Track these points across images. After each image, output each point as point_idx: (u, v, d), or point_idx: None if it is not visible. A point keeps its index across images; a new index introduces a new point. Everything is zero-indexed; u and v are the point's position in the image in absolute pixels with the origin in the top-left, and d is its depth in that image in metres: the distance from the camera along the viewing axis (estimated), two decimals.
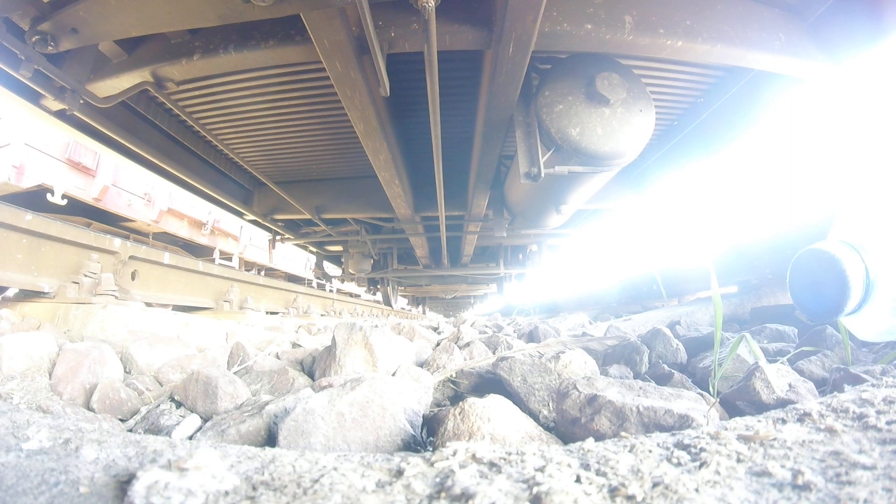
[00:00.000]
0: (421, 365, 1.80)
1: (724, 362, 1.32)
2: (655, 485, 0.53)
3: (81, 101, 2.65)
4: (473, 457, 0.62)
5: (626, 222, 6.13)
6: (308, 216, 5.18)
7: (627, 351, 1.79)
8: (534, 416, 1.21)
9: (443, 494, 0.52)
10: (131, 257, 3.17)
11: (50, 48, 2.15)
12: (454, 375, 1.61)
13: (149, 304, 3.01)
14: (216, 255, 9.45)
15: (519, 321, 4.34)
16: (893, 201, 1.34)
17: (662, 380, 1.45)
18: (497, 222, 4.75)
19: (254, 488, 0.56)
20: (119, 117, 3.25)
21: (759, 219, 3.73)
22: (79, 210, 6.59)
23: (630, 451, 0.65)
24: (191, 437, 1.12)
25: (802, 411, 0.77)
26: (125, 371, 1.64)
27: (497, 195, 4.49)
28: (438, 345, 2.23)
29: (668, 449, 0.65)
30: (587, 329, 2.99)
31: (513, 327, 3.56)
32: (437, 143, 3.00)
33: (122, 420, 1.28)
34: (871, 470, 0.55)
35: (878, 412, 0.72)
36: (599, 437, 0.83)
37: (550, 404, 1.22)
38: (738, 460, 0.60)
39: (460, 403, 0.95)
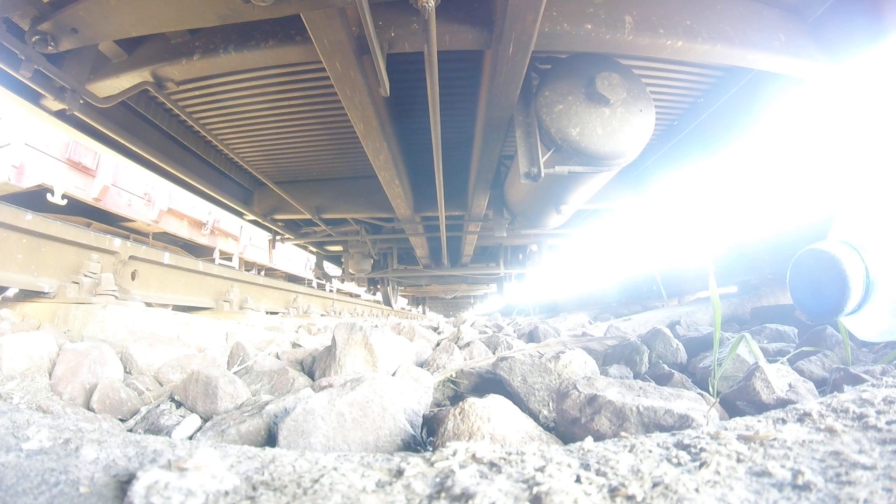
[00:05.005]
0: (421, 365, 1.80)
1: (723, 362, 1.32)
2: (655, 485, 0.53)
3: (81, 101, 2.65)
4: (473, 457, 0.62)
5: (625, 222, 6.13)
6: (308, 216, 5.18)
7: (627, 351, 1.79)
8: (534, 416, 1.21)
9: (443, 494, 0.52)
10: (131, 257, 3.17)
11: (50, 48, 2.15)
12: (454, 375, 1.61)
13: (149, 304, 3.01)
14: (216, 255, 9.44)
15: (519, 321, 4.33)
16: (893, 201, 1.34)
17: (662, 380, 1.45)
18: (497, 222, 4.74)
19: (254, 488, 0.56)
20: (119, 117, 3.25)
21: (759, 219, 3.73)
22: (79, 210, 6.59)
23: (630, 451, 0.65)
24: (191, 437, 1.12)
25: (802, 411, 0.77)
26: (125, 371, 1.64)
27: (497, 195, 4.49)
28: (438, 345, 2.23)
29: (668, 449, 0.65)
30: (587, 329, 2.99)
31: (513, 327, 3.56)
32: (437, 143, 3.00)
33: (122, 420, 1.28)
34: (871, 470, 0.55)
35: (878, 412, 0.72)
36: (599, 437, 0.83)
37: (550, 404, 1.22)
38: (738, 460, 0.60)
39: (460, 403, 0.95)
